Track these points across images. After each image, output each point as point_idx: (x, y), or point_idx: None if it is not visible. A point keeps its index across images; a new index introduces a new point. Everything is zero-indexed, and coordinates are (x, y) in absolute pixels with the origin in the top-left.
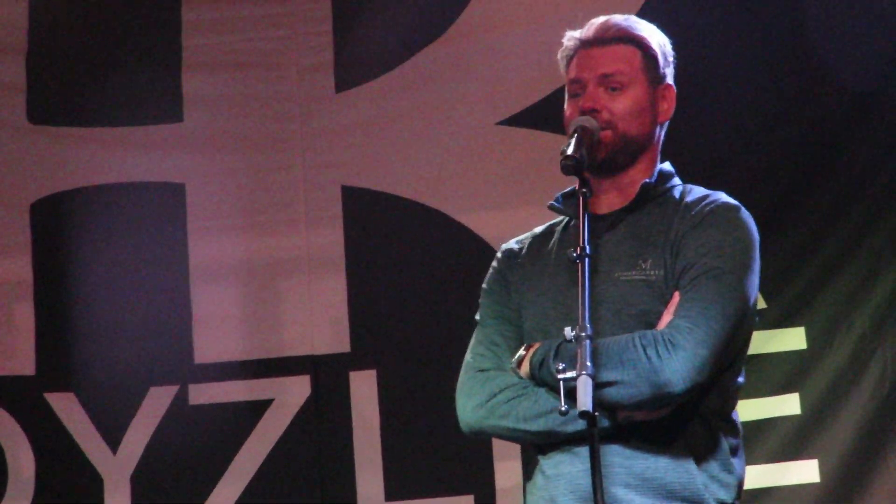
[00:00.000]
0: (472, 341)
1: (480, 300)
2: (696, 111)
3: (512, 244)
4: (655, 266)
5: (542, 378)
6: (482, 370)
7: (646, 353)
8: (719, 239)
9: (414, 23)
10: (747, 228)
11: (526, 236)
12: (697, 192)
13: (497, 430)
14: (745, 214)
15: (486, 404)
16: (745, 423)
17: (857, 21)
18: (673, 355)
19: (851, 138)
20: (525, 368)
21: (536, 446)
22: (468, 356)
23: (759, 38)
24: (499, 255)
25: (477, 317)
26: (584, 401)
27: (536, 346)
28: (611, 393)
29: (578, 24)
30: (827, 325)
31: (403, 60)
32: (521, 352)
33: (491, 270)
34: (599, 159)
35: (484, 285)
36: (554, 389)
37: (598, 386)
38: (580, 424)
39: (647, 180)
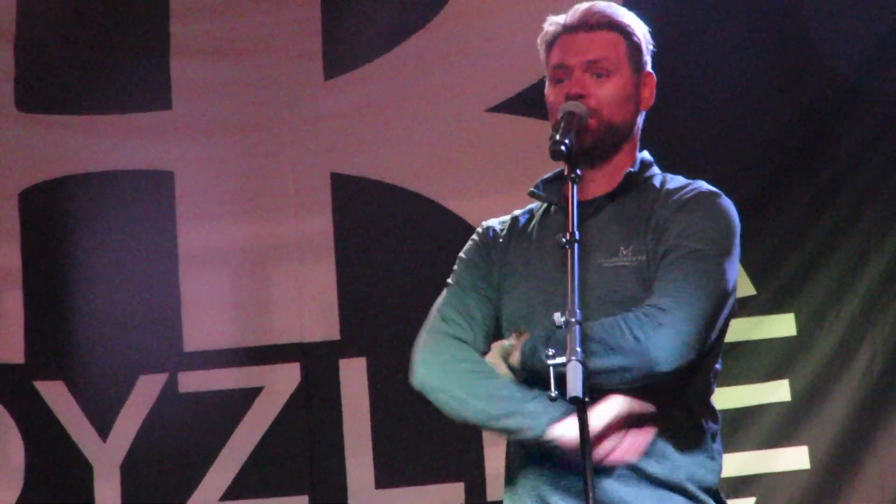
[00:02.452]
0: (443, 303)
1: (457, 267)
2: (684, 97)
3: (493, 223)
4: (637, 251)
5: (533, 366)
6: (458, 339)
7: (633, 335)
8: (701, 223)
9: (403, 9)
10: (728, 214)
11: (507, 218)
12: (678, 180)
13: (447, 399)
14: (727, 201)
15: (455, 370)
16: (735, 410)
17: (845, 7)
18: (658, 333)
19: (839, 125)
20: (515, 357)
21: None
22: (437, 317)
23: (748, 24)
24: (479, 230)
25: (450, 280)
26: (575, 386)
27: (525, 335)
28: (604, 380)
29: (563, 12)
30: (816, 312)
31: (392, 47)
32: (513, 341)
33: (471, 243)
34: (585, 146)
35: (462, 255)
36: (545, 378)
37: (590, 375)
38: (537, 428)
39: (631, 169)
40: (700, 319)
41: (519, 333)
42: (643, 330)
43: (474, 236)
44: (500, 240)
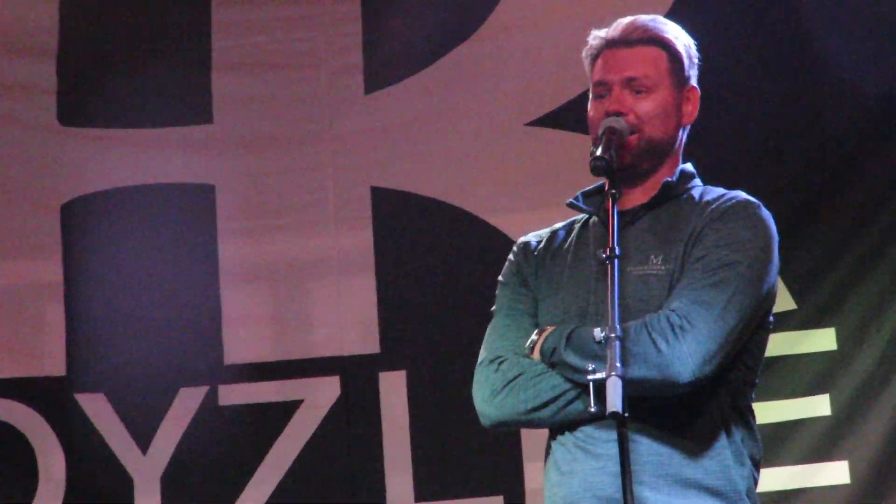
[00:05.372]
0: (487, 331)
1: (497, 292)
2: (725, 113)
3: (530, 237)
4: (667, 261)
5: (551, 363)
6: (494, 359)
7: (655, 345)
8: (738, 233)
9: (443, 24)
10: (766, 224)
11: (545, 232)
12: (717, 190)
13: (515, 418)
14: (765, 211)
15: (501, 392)
16: (775, 425)
17: (881, 29)
18: (682, 344)
19: (882, 141)
20: (536, 354)
21: (550, 431)
22: (482, 348)
23: (785, 43)
24: (515, 248)
25: (493, 309)
26: (614, 402)
27: (548, 331)
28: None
29: (606, 25)
30: (857, 326)
31: (432, 61)
32: (534, 337)
33: (507, 263)
34: (625, 163)
35: (500, 278)
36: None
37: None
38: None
39: (669, 179)
40: (725, 334)
41: (541, 331)
42: (666, 340)
43: (510, 256)
44: (536, 252)
